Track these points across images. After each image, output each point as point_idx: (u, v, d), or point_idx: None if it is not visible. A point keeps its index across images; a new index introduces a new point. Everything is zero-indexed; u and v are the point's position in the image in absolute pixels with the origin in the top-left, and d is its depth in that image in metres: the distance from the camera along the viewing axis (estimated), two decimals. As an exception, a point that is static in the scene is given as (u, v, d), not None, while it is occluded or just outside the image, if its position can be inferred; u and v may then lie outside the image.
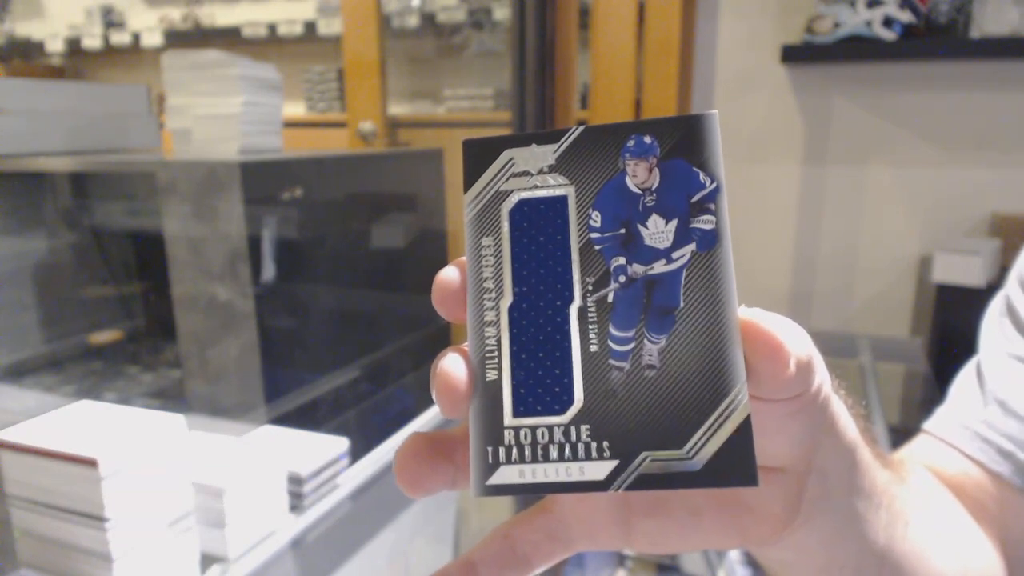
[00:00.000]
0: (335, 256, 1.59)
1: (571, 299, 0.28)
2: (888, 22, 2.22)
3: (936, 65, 2.34)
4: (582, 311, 0.27)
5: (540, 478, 0.26)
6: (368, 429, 1.57)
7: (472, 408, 0.28)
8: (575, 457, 0.26)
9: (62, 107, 1.63)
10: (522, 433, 0.27)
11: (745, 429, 0.25)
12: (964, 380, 0.64)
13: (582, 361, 0.27)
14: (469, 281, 0.29)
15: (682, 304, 0.26)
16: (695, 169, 0.27)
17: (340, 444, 1.09)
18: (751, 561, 1.05)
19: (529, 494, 0.27)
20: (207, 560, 0.89)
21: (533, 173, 0.29)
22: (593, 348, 0.27)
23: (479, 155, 0.29)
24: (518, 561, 0.35)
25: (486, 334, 0.28)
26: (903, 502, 0.41)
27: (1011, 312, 0.62)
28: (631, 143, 0.28)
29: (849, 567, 0.39)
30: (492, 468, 0.27)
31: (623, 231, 0.27)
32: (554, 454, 0.26)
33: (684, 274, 0.27)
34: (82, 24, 3.99)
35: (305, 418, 1.42)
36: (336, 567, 0.98)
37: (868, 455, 0.37)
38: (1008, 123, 2.29)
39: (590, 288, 0.27)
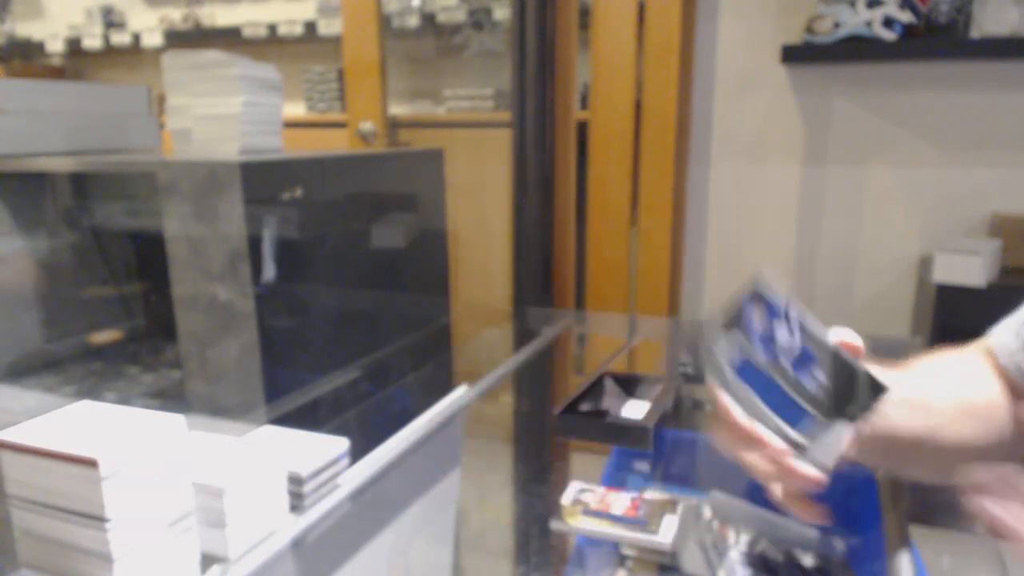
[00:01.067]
0: (335, 256, 1.59)
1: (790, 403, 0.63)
2: (888, 22, 2.23)
3: (936, 65, 2.35)
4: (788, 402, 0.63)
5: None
6: (368, 429, 1.57)
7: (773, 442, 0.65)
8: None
9: (62, 107, 1.63)
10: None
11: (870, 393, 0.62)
12: None
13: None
14: (747, 419, 0.63)
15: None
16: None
17: (340, 444, 1.08)
18: (751, 562, 1.05)
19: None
20: (207, 560, 0.89)
21: (739, 349, 0.64)
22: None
23: (709, 346, 0.64)
24: None
25: (783, 433, 0.64)
26: (933, 394, 0.73)
27: None
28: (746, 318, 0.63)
29: (897, 446, 0.69)
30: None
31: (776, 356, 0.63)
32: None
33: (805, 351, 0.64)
34: (82, 24, 3.99)
35: (305, 418, 1.42)
36: (336, 567, 0.98)
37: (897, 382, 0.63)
38: (1008, 123, 2.30)
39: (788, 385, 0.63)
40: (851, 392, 0.59)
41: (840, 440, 0.59)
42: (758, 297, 0.60)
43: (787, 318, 0.58)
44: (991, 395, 0.77)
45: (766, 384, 0.59)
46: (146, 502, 0.81)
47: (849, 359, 0.58)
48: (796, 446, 0.59)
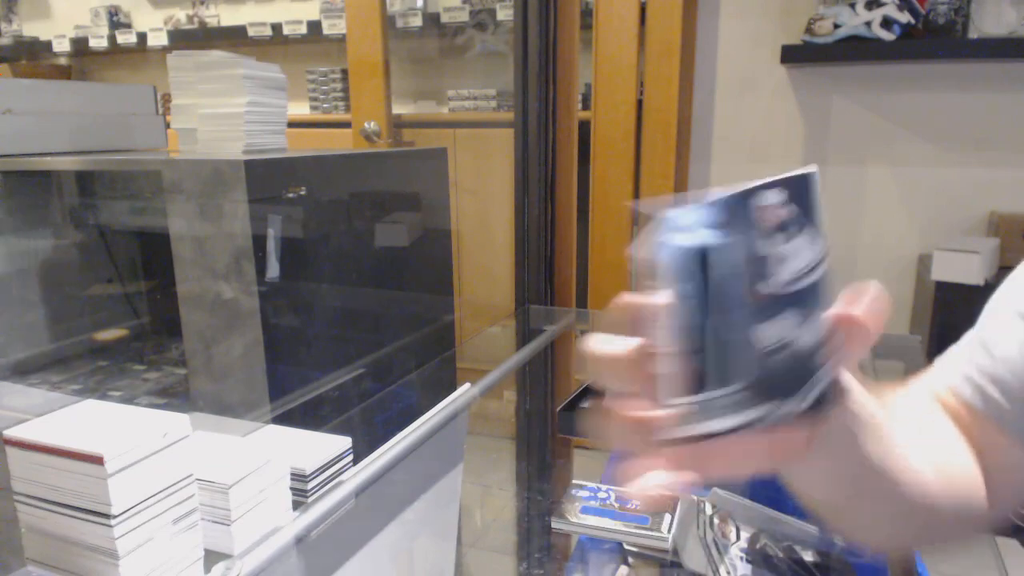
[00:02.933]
0: (339, 255, 1.59)
1: (728, 313, 0.41)
2: (887, 23, 2.23)
3: (935, 65, 2.35)
4: (732, 322, 0.41)
5: (716, 427, 0.42)
6: (372, 427, 1.58)
7: (664, 384, 0.43)
8: (739, 411, 0.42)
9: (69, 107, 1.64)
10: (709, 400, 0.42)
11: (830, 387, 0.42)
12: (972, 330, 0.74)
13: (739, 355, 0.42)
14: (656, 309, 0.42)
15: (794, 315, 0.41)
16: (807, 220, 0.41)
17: (344, 442, 1.09)
18: (752, 558, 1.06)
19: (713, 440, 0.42)
20: (212, 556, 0.90)
21: (691, 228, 0.41)
22: (742, 346, 0.41)
23: (650, 213, 0.41)
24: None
25: (689, 337, 0.42)
26: (891, 427, 0.53)
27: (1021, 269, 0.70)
28: (760, 197, 0.40)
29: (848, 478, 0.53)
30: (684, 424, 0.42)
31: (758, 263, 0.41)
32: (729, 412, 0.42)
33: (797, 293, 0.41)
34: (88, 24, 4.00)
35: (309, 416, 1.42)
36: (340, 563, 0.98)
37: (867, 397, 0.50)
38: (1006, 123, 2.30)
39: (735, 306, 0.41)
40: (795, 380, 0.41)
41: (736, 429, 0.42)
42: (784, 190, 0.40)
43: (801, 239, 0.39)
44: (966, 462, 0.65)
45: (710, 309, 0.40)
46: (151, 499, 0.82)
47: (819, 349, 0.41)
48: (688, 407, 0.42)
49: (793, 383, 0.41)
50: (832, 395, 0.42)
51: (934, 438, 0.66)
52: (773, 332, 0.40)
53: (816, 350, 0.41)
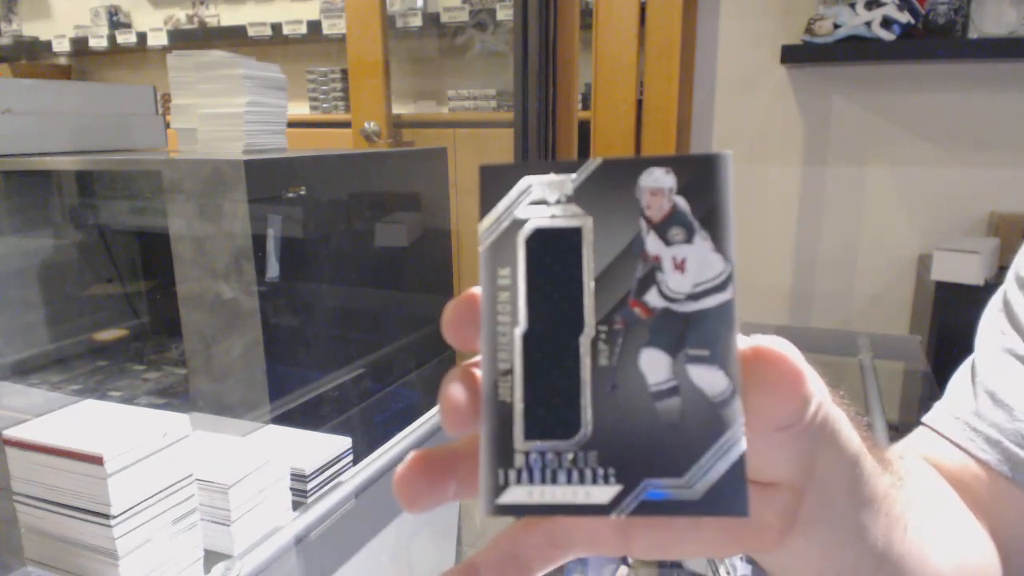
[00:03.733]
0: (339, 255, 1.59)
1: (582, 328, 0.28)
2: (887, 23, 2.23)
3: (935, 65, 2.35)
4: (593, 341, 0.28)
5: (548, 499, 0.27)
6: (371, 427, 1.58)
7: (484, 429, 0.28)
8: (582, 481, 0.27)
9: (68, 107, 1.64)
10: (532, 456, 0.28)
11: (740, 464, 0.27)
12: (959, 376, 0.65)
13: (592, 389, 0.28)
14: (483, 309, 0.29)
15: (689, 343, 0.28)
16: (706, 208, 0.28)
17: (343, 442, 1.09)
18: (752, 559, 1.05)
19: (536, 515, 0.28)
20: (211, 557, 0.90)
21: (550, 202, 0.29)
22: (602, 377, 0.28)
23: (496, 181, 0.29)
24: (519, 565, 0.36)
25: (500, 358, 0.28)
26: (903, 505, 0.42)
27: (1007, 308, 0.63)
28: (647, 176, 0.28)
29: (847, 570, 0.40)
30: (502, 488, 0.27)
31: (641, 265, 0.28)
32: (562, 477, 0.27)
33: (694, 314, 0.28)
34: (88, 24, 4.00)
35: (309, 416, 1.42)
36: (339, 564, 0.98)
37: (870, 464, 0.38)
38: (1006, 123, 2.30)
39: (602, 319, 0.28)
40: (681, 447, 0.27)
41: (568, 509, 0.28)
42: (680, 172, 0.28)
43: (703, 241, 0.28)
44: (984, 548, 0.55)
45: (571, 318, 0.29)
46: (151, 499, 0.82)
47: (729, 402, 0.27)
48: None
49: (678, 452, 0.27)
50: (738, 484, 0.26)
51: (948, 516, 0.54)
52: (658, 366, 0.28)
53: (724, 403, 0.27)
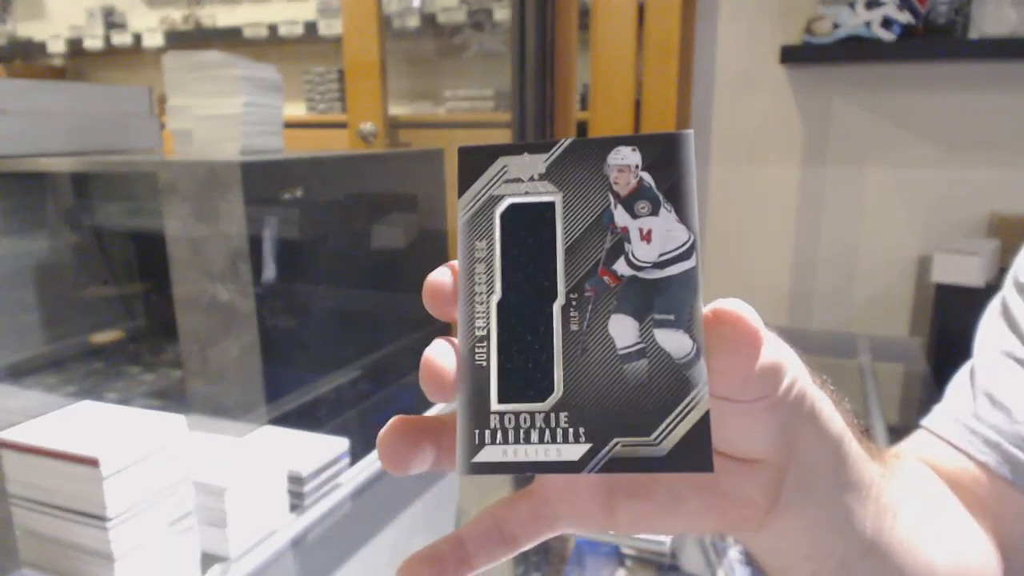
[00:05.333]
0: (336, 256, 1.59)
1: (555, 296, 0.30)
2: (887, 23, 2.23)
3: (935, 66, 2.35)
4: (564, 308, 0.30)
5: (521, 457, 0.28)
6: (369, 429, 1.58)
7: (460, 393, 0.30)
8: (554, 440, 0.29)
9: (64, 108, 1.63)
10: (507, 417, 0.29)
11: (704, 422, 0.28)
12: (959, 379, 0.65)
13: (563, 353, 0.29)
14: (461, 279, 0.31)
15: (656, 309, 0.29)
16: (669, 185, 0.30)
17: (340, 444, 1.09)
18: (751, 561, 1.05)
19: (510, 473, 0.28)
20: (208, 559, 0.89)
21: (524, 180, 0.31)
22: (573, 342, 0.29)
23: (474, 162, 0.32)
24: (504, 539, 0.37)
25: (476, 326, 0.30)
26: (892, 494, 0.42)
27: (1006, 312, 0.63)
28: (614, 154, 0.30)
29: (834, 556, 0.40)
30: (478, 448, 0.29)
31: (610, 237, 0.30)
32: (535, 437, 0.29)
33: (660, 281, 0.29)
34: (83, 25, 3.99)
35: (306, 418, 1.42)
36: (337, 566, 0.98)
37: (855, 448, 0.38)
38: (1007, 124, 2.30)
39: (573, 287, 0.30)
40: (649, 406, 0.28)
41: (542, 466, 0.29)
42: (645, 149, 0.30)
43: (667, 213, 0.29)
44: (983, 546, 0.55)
45: (546, 285, 0.30)
46: (147, 501, 0.82)
47: (693, 363, 0.28)
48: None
49: (645, 411, 0.28)
50: (703, 441, 0.27)
51: (945, 515, 0.55)
52: (626, 330, 0.29)
53: (689, 364, 0.28)
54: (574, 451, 0.28)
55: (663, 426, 0.28)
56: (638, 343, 0.29)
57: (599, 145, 0.31)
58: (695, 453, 0.27)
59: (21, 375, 1.58)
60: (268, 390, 1.35)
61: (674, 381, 0.28)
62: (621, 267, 0.30)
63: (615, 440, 0.28)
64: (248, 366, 1.33)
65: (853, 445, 0.38)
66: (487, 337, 0.30)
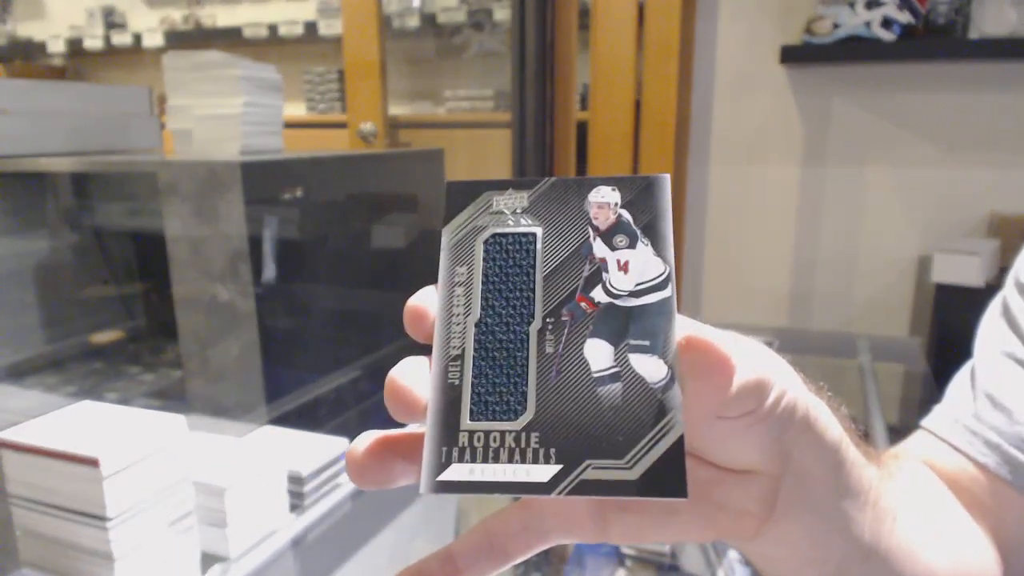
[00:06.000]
0: (336, 256, 1.59)
1: (532, 319, 0.30)
2: (887, 23, 2.23)
3: (935, 66, 2.35)
4: (541, 331, 0.30)
5: (488, 477, 0.28)
6: (368, 429, 1.58)
7: (430, 409, 0.29)
8: (523, 460, 0.28)
9: (63, 108, 1.63)
10: (476, 436, 0.29)
11: (678, 447, 0.27)
12: (959, 379, 0.65)
13: (537, 374, 0.29)
14: (440, 301, 0.31)
15: (631, 335, 0.29)
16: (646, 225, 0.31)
17: (340, 444, 1.09)
18: (751, 561, 1.05)
19: (476, 492, 0.28)
20: (208, 559, 0.89)
21: (508, 213, 0.33)
22: (548, 363, 0.29)
23: (461, 195, 0.34)
24: (495, 552, 0.37)
25: (452, 345, 0.30)
26: (891, 498, 0.42)
27: (1006, 312, 0.63)
28: (595, 192, 0.32)
29: (832, 562, 0.40)
30: (444, 465, 0.28)
31: (588, 266, 0.31)
32: (504, 456, 0.28)
33: (636, 309, 0.30)
34: (83, 25, 3.99)
35: (306, 418, 1.42)
36: (336, 567, 0.98)
37: (853, 454, 0.38)
38: (1007, 124, 2.30)
39: (550, 311, 0.30)
40: (621, 430, 0.28)
41: (508, 488, 0.28)
42: (624, 189, 0.32)
43: (644, 248, 0.31)
44: (983, 550, 0.55)
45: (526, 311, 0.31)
46: (147, 501, 0.82)
47: (667, 388, 0.28)
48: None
49: (618, 434, 0.28)
50: (676, 466, 0.27)
51: (944, 516, 0.54)
52: (601, 354, 0.29)
53: (663, 389, 0.28)
54: (544, 472, 0.28)
55: (635, 450, 0.27)
56: (613, 367, 0.29)
57: (580, 184, 0.32)
58: (668, 478, 0.27)
59: (21, 375, 1.58)
60: (268, 390, 1.35)
61: (648, 405, 0.28)
62: (598, 294, 0.30)
63: (586, 462, 0.28)
64: (248, 366, 1.33)
65: (851, 451, 0.38)
66: (462, 356, 0.30)
